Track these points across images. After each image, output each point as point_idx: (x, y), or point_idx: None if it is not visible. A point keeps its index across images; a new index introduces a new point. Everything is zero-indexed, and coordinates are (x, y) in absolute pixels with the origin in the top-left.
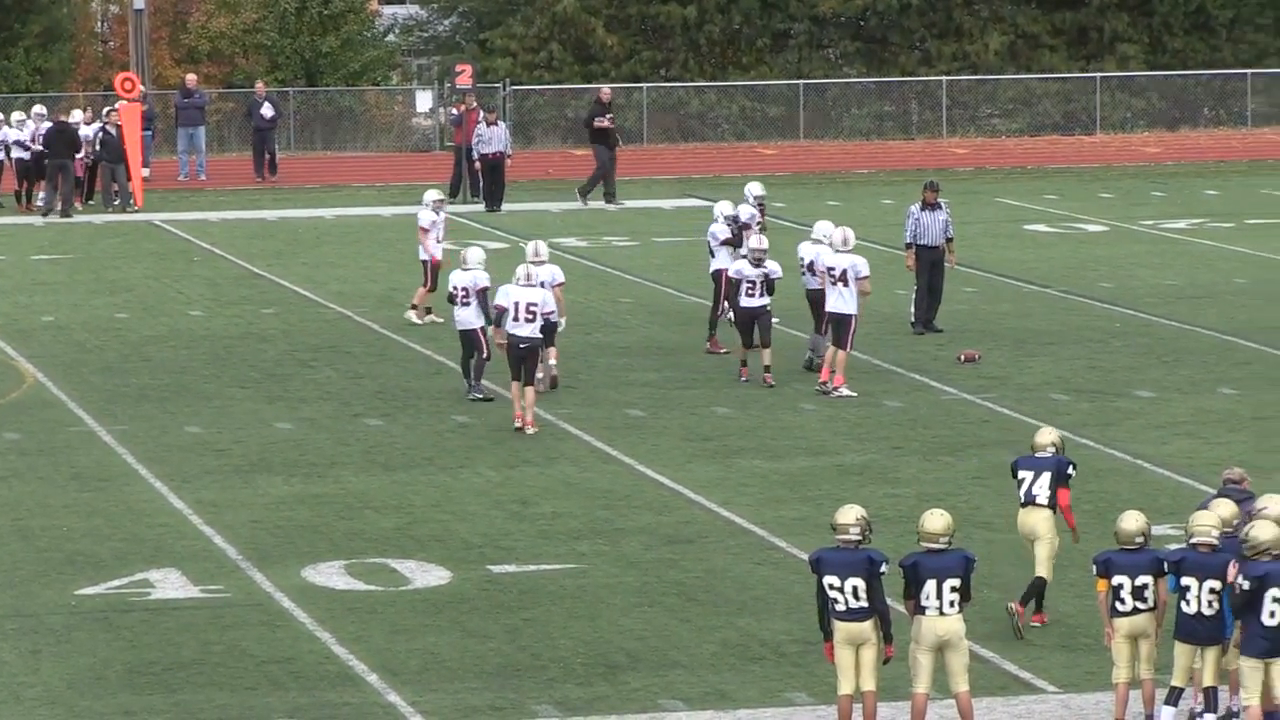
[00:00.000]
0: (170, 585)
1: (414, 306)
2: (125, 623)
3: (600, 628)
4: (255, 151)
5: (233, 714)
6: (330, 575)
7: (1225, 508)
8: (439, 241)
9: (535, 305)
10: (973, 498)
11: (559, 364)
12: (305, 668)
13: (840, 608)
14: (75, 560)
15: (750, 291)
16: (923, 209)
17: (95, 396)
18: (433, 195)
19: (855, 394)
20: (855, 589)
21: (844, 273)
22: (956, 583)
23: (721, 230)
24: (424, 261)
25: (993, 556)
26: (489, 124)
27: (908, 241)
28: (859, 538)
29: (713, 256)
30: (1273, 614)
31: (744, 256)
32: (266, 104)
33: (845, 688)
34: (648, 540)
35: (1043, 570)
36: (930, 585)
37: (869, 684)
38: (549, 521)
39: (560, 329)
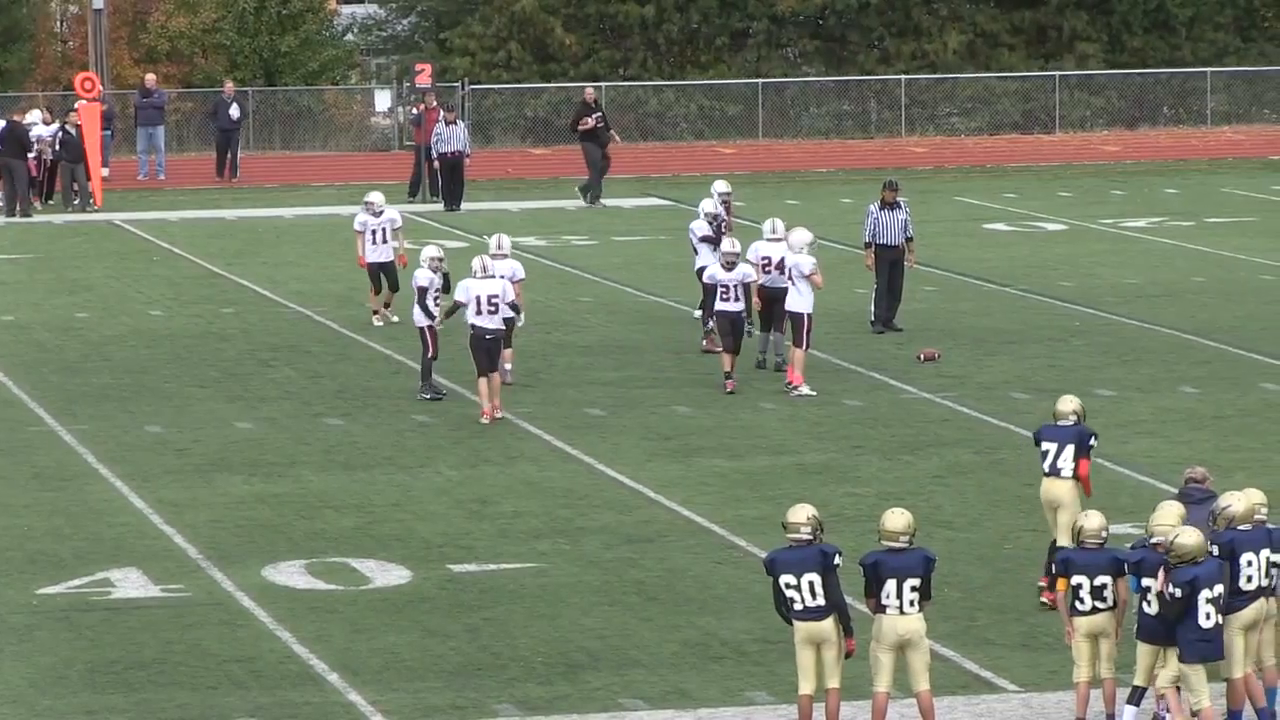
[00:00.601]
0: (131, 584)
1: (375, 313)
2: (86, 622)
3: (561, 627)
4: (219, 151)
5: (194, 713)
6: (291, 574)
7: (1174, 509)
8: (378, 244)
9: (496, 297)
10: (933, 497)
11: (514, 367)
12: (266, 667)
13: (798, 607)
14: (36, 560)
15: (725, 296)
16: (882, 208)
17: (55, 396)
18: (369, 197)
19: (814, 393)
20: (811, 585)
21: (791, 271)
22: (917, 582)
23: (700, 226)
24: (370, 265)
25: (953, 555)
26: (448, 123)
27: (866, 241)
28: (810, 537)
29: (695, 253)
30: (1208, 615)
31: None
32: (235, 105)
33: (805, 687)
34: (608, 539)
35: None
36: (891, 584)
37: (832, 682)
38: (509, 521)
39: (519, 324)
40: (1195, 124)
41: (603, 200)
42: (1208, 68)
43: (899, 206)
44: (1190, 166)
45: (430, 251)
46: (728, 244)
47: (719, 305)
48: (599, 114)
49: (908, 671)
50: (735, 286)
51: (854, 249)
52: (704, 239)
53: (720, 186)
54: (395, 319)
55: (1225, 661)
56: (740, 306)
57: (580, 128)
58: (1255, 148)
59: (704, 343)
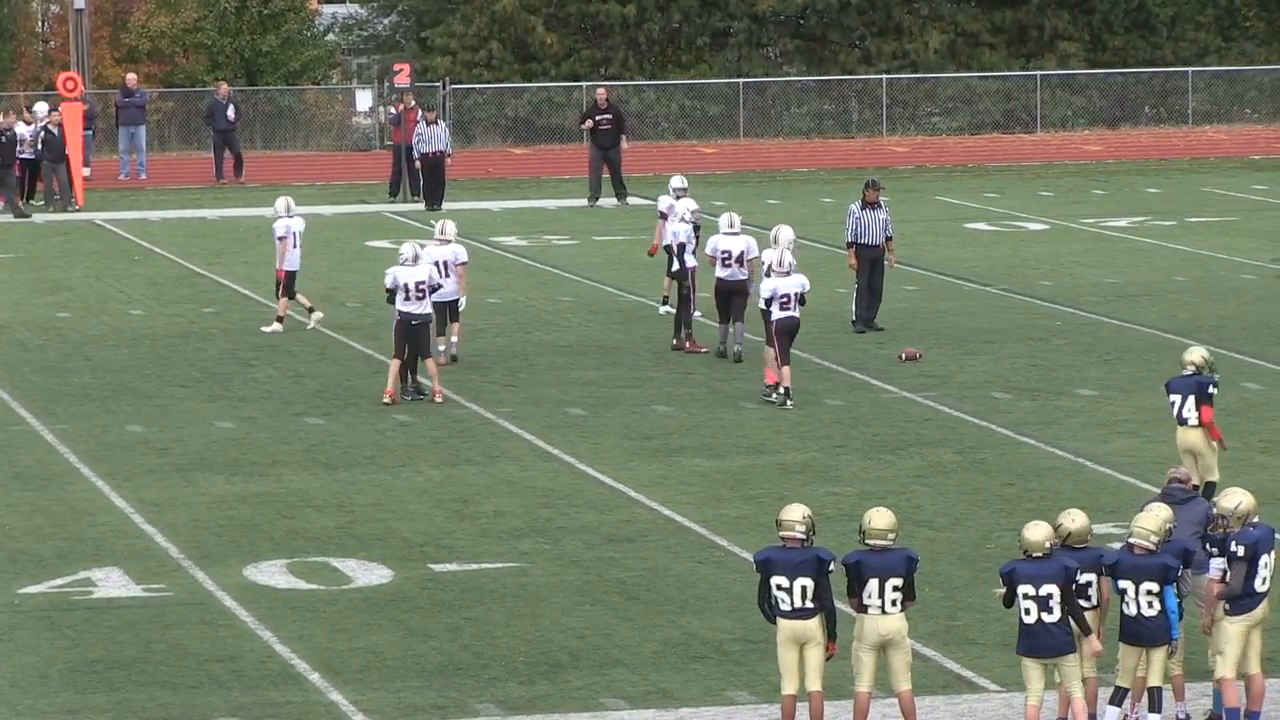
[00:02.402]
0: (112, 584)
1: (309, 310)
2: (68, 621)
3: (542, 626)
4: (217, 152)
5: (175, 713)
6: (272, 574)
7: (1162, 511)
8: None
9: (423, 283)
10: (914, 496)
11: (460, 339)
12: (247, 666)
13: (785, 607)
14: (17, 559)
15: (787, 304)
16: (864, 208)
17: (37, 395)
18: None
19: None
20: (804, 589)
21: (769, 268)
22: (899, 582)
23: (683, 230)
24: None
25: (934, 555)
26: (429, 123)
27: (849, 240)
28: (804, 536)
29: (677, 255)
30: (1028, 611)
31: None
32: (231, 106)
33: (789, 688)
34: (589, 539)
35: (1211, 476)
36: (873, 584)
37: (814, 684)
38: (490, 520)
39: (461, 306)
40: (1176, 123)
41: (599, 202)
42: (1189, 67)
43: (880, 206)
44: (1171, 166)
45: (408, 250)
46: (776, 255)
47: (777, 314)
48: (603, 115)
49: (889, 671)
50: (794, 294)
51: (835, 248)
52: (680, 244)
53: (676, 182)
54: (278, 329)
55: (1243, 660)
56: (798, 313)
57: (581, 126)
58: (1236, 147)
59: (686, 344)
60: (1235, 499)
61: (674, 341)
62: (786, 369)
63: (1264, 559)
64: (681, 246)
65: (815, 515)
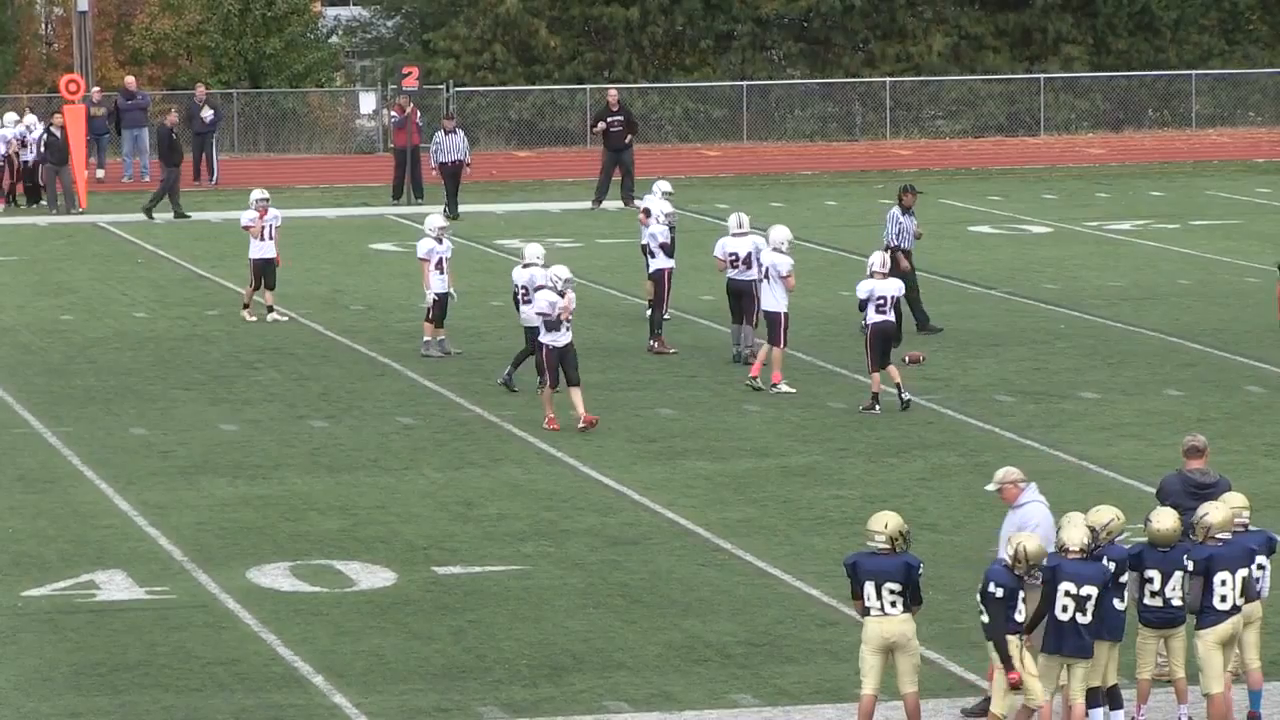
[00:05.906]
0: (116, 587)
1: (254, 306)
2: (71, 624)
3: (545, 629)
4: (194, 154)
5: (178, 715)
6: (275, 577)
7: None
8: (261, 240)
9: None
10: (918, 499)
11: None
12: (251, 669)
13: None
14: (21, 562)
15: (882, 308)
16: (904, 213)
17: (40, 398)
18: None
19: (794, 390)
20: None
21: (768, 270)
22: (897, 586)
23: (663, 233)
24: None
25: (937, 558)
26: (446, 132)
27: (894, 244)
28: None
29: (652, 256)
30: (1064, 608)
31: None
32: (206, 107)
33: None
34: (592, 542)
35: None
36: (869, 586)
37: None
38: (494, 523)
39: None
40: (1180, 126)
41: (603, 204)
42: (1192, 70)
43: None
44: (1175, 169)
45: (537, 250)
46: (878, 259)
47: (874, 318)
48: (615, 118)
49: (896, 673)
50: (890, 298)
51: (838, 251)
52: (663, 245)
53: (665, 186)
54: (283, 318)
55: (1203, 678)
56: (893, 318)
57: (593, 130)
58: (1239, 150)
59: (655, 344)
60: (1202, 509)
61: (649, 344)
62: (877, 375)
63: (1221, 576)
64: (650, 248)
65: (819, 519)
